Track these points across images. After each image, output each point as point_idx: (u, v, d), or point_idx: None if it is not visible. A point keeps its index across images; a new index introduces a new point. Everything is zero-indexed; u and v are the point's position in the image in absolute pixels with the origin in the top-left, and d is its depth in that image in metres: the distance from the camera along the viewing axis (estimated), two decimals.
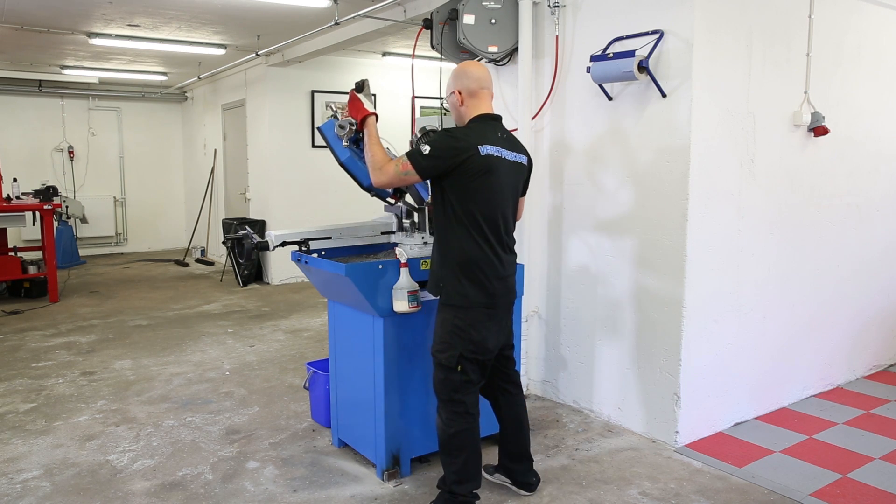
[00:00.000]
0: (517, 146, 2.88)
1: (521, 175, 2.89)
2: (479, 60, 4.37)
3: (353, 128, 3.08)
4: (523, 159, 2.88)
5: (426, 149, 2.65)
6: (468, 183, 2.66)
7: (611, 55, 3.50)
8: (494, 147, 2.71)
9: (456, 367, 2.74)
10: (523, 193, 2.99)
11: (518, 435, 3.04)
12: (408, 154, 2.70)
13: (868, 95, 4.35)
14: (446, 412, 2.79)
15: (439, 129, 3.81)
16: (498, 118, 2.86)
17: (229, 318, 6.52)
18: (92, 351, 5.40)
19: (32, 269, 7.45)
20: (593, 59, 3.59)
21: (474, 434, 2.81)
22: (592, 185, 3.88)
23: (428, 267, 3.09)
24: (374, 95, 8.41)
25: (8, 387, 4.56)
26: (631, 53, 3.38)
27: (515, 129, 4.12)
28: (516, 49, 4.08)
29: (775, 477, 3.21)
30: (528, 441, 3.08)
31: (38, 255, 8.02)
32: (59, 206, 8.06)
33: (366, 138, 2.87)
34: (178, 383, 4.62)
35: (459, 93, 2.80)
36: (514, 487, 3.06)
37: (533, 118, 4.12)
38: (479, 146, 2.66)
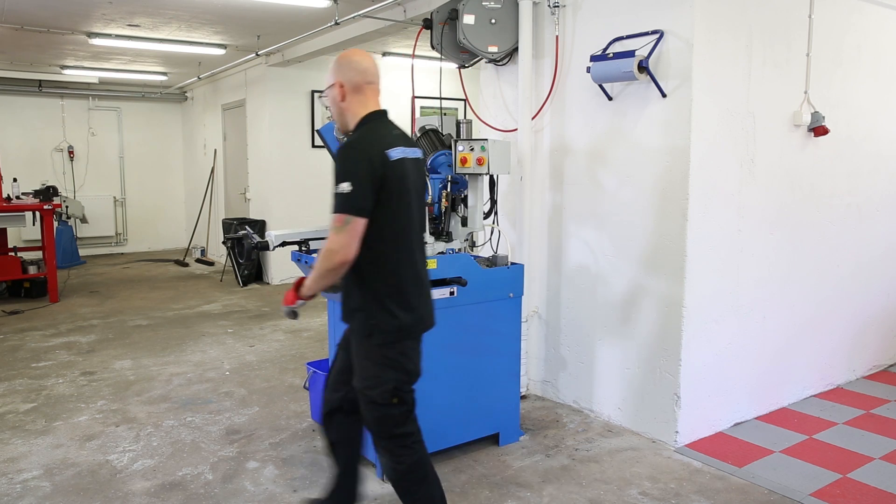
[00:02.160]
0: (411, 141, 2.52)
1: (422, 174, 2.56)
2: (478, 60, 4.38)
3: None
4: (419, 153, 2.53)
5: (346, 187, 2.20)
6: (388, 197, 2.29)
7: (611, 55, 3.50)
8: (399, 149, 2.35)
9: (391, 400, 2.41)
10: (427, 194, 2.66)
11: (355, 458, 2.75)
12: (335, 209, 2.23)
13: (868, 95, 4.35)
14: (391, 450, 2.47)
15: (439, 128, 3.80)
16: (386, 113, 2.48)
17: (229, 318, 6.52)
18: (92, 351, 5.40)
19: (32, 269, 7.45)
20: (593, 59, 3.59)
21: (427, 461, 2.53)
22: (592, 185, 3.88)
23: (427, 267, 3.08)
24: None
25: (8, 387, 4.56)
26: (631, 53, 3.38)
27: (515, 129, 4.13)
28: (516, 49, 4.08)
29: (775, 477, 3.21)
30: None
31: (38, 255, 8.02)
32: (59, 206, 8.07)
33: (312, 281, 2.38)
34: (178, 383, 4.62)
35: (341, 85, 2.42)
36: None
37: (533, 118, 4.11)
38: (386, 152, 2.30)
